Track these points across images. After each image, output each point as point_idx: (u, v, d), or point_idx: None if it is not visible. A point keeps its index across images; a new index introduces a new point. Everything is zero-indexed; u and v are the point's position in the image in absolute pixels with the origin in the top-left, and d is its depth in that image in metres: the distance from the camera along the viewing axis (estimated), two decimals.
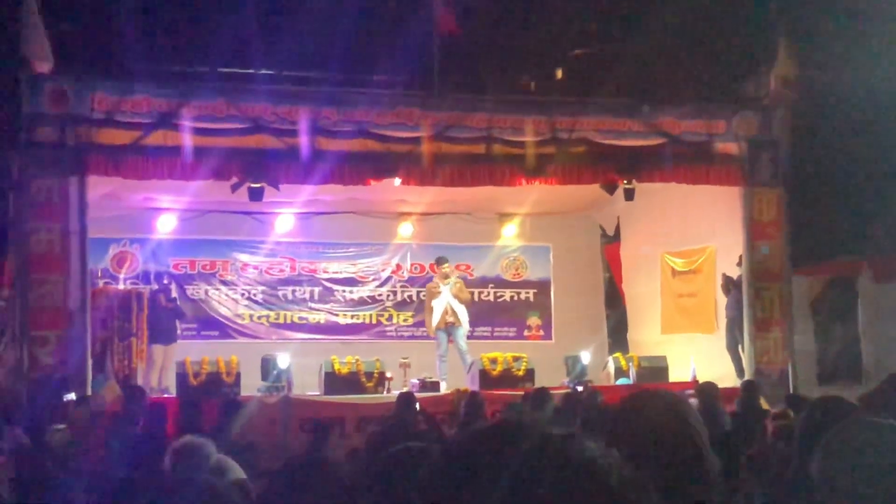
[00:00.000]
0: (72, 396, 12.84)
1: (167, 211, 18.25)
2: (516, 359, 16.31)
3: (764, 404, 12.69)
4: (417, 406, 11.73)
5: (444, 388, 15.63)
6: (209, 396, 13.65)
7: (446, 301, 16.88)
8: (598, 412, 9.88)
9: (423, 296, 18.21)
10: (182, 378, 14.98)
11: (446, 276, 17.11)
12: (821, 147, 16.77)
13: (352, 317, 19.77)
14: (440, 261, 17.37)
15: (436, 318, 16.95)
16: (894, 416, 3.09)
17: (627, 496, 1.36)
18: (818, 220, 16.59)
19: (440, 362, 16.78)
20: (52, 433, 10.94)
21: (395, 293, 20.05)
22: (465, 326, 17.07)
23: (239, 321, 19.21)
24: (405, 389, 13.92)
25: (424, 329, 19.70)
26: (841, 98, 16.79)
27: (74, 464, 9.73)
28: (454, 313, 16.91)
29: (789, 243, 16.13)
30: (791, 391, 14.69)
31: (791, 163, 16.17)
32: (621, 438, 2.51)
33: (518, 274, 20.58)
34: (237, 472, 6.34)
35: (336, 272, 19.79)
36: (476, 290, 20.08)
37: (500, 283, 20.42)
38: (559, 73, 17.68)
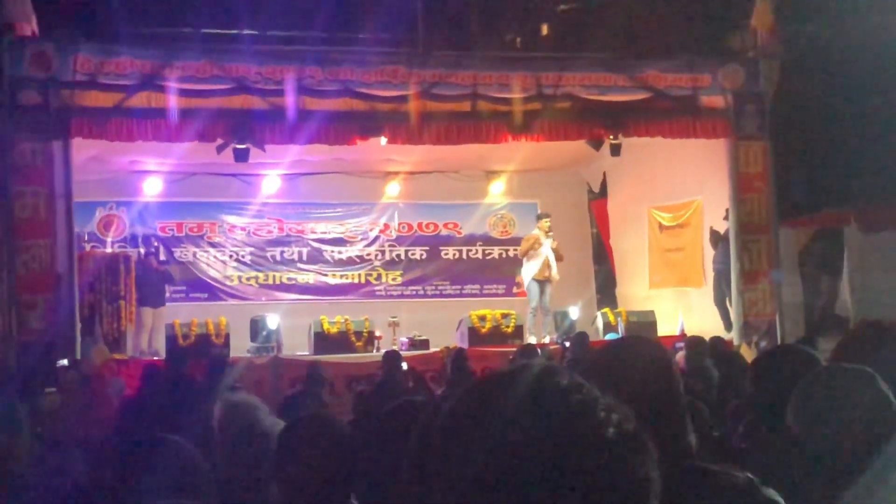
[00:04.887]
0: (65, 362, 12.85)
1: (153, 173, 18.19)
2: (505, 316, 16.39)
3: (748, 356, 12.74)
4: (405, 365, 11.78)
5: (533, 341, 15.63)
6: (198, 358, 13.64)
7: (546, 254, 16.92)
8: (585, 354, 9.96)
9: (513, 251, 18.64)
10: (172, 340, 15.00)
11: (548, 231, 17.10)
12: (806, 98, 16.74)
13: (340, 277, 19.77)
14: (543, 216, 17.41)
15: (534, 270, 16.99)
16: (865, 363, 3.12)
17: (620, 451, 1.33)
18: (805, 171, 16.60)
19: (532, 315, 16.82)
20: (43, 397, 10.96)
21: (383, 252, 20.04)
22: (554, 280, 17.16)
23: (228, 283, 19.21)
24: (391, 348, 13.98)
25: (413, 288, 19.80)
26: (826, 49, 16.76)
27: (65, 427, 9.77)
28: (550, 268, 16.96)
29: (776, 195, 16.15)
30: (779, 343, 14.75)
31: (777, 115, 16.15)
32: (602, 382, 2.52)
33: (506, 231, 20.57)
34: None
35: (324, 232, 19.78)
36: (464, 248, 20.16)
37: (488, 240, 20.41)
38: (544, 29, 17.60)
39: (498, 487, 1.30)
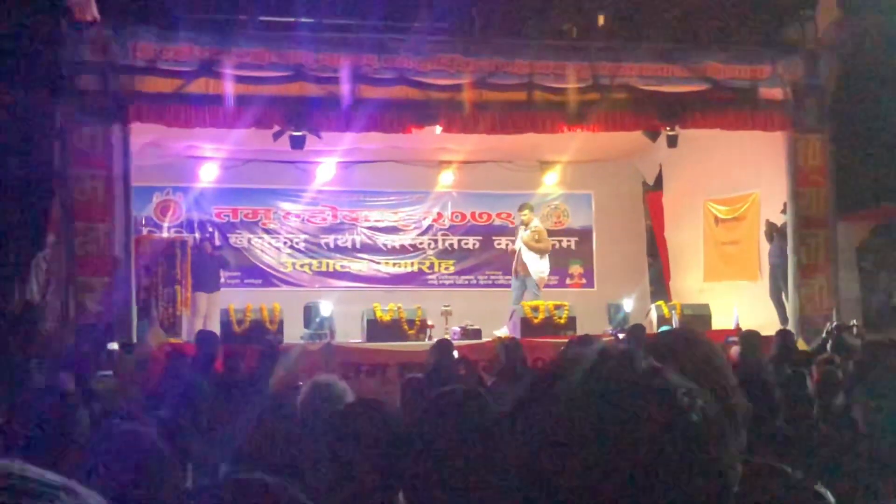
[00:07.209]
0: (115, 346, 12.95)
1: (210, 159, 18.33)
2: (558, 307, 16.31)
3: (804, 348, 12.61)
4: (455, 354, 11.75)
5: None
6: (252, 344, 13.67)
7: (518, 248, 16.96)
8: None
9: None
10: (226, 326, 15.11)
11: (523, 223, 17.08)
12: (866, 92, 16.50)
13: (394, 265, 19.82)
14: (520, 207, 17.38)
15: (513, 265, 17.15)
16: None
17: (704, 436, 1.32)
18: (863, 165, 16.35)
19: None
20: (98, 380, 11.05)
21: (436, 241, 20.06)
22: (534, 276, 17.00)
23: (282, 269, 19.32)
24: (443, 337, 13.96)
25: (466, 277, 19.84)
26: (887, 42, 16.51)
27: (121, 409, 9.83)
28: (524, 265, 16.93)
29: (835, 189, 15.96)
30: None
31: (836, 108, 15.96)
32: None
33: (560, 222, 20.50)
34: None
35: (378, 221, 19.83)
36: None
37: None
38: (601, 19, 17.46)
39: (577, 471, 1.28)
